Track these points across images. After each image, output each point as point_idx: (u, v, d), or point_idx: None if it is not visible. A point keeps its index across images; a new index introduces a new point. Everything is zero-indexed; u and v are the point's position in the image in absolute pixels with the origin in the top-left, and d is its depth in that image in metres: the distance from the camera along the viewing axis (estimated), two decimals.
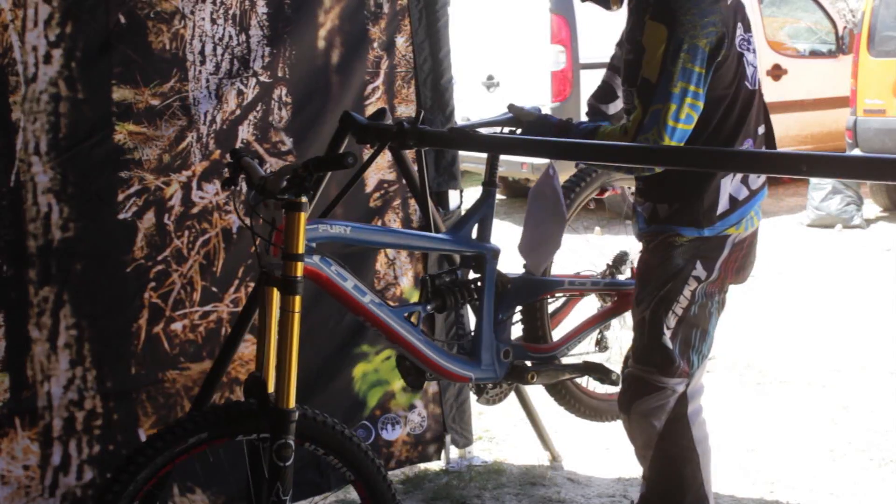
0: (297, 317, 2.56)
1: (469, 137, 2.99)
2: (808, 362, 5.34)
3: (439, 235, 3.33)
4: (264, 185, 2.59)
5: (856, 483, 4.01)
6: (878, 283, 7.20)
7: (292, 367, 2.56)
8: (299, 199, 2.56)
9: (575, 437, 4.41)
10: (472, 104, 10.51)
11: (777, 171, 2.03)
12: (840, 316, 6.37)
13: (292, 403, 2.56)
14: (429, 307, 3.10)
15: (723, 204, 2.99)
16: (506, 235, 9.84)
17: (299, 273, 2.58)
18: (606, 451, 4.30)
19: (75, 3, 3.14)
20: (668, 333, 3.04)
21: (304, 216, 2.58)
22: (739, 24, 2.92)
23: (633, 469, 4.14)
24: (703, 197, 2.97)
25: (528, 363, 3.30)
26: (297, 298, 2.56)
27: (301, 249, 2.60)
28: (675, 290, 3.03)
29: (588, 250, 3.83)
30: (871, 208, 9.94)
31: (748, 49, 2.96)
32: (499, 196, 11.64)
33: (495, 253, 3.22)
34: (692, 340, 3.07)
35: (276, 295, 2.64)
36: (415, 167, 3.61)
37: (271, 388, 2.62)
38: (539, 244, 3.25)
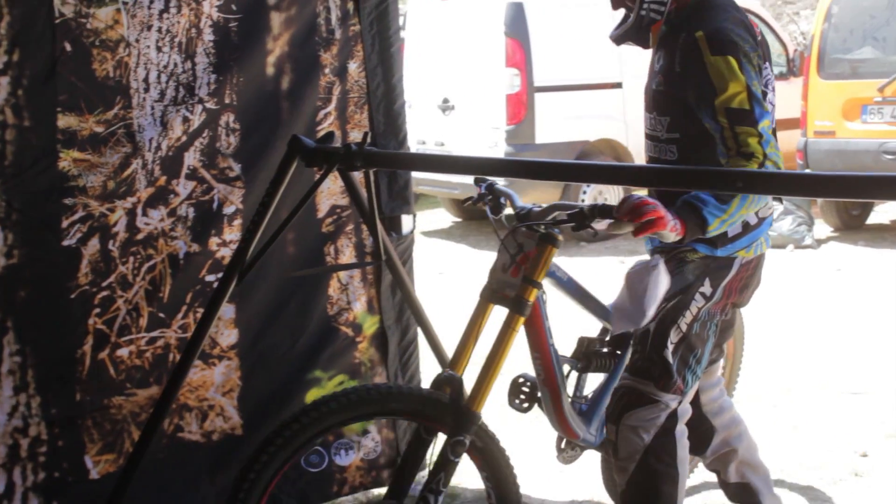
0: (515, 335, 2.90)
1: (417, 158, 3.03)
2: (758, 382, 5.37)
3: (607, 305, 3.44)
4: (528, 214, 3.03)
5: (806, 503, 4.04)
6: (828, 302, 7.28)
7: (495, 377, 2.88)
8: (557, 235, 2.93)
9: (528, 461, 4.40)
10: (427, 127, 10.56)
11: (714, 186, 2.05)
12: (791, 335, 6.43)
13: (482, 408, 2.85)
14: (579, 365, 3.31)
15: (735, 227, 3.05)
16: (461, 258, 9.89)
17: (532, 298, 2.92)
18: (560, 474, 4.30)
19: (22, 30, 3.14)
20: (670, 348, 3.10)
21: (554, 251, 2.93)
22: (767, 63, 3.08)
23: (586, 491, 4.16)
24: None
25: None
26: (522, 319, 2.90)
27: (541, 278, 2.95)
28: (682, 304, 3.10)
29: None
30: (823, 228, 10.05)
31: (771, 89, 3.09)
32: (454, 219, 11.70)
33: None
34: (689, 359, 3.13)
35: (490, 310, 3.00)
36: (365, 191, 3.61)
37: None
38: (631, 317, 3.15)
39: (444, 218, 11.87)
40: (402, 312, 3.99)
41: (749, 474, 3.54)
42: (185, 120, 3.47)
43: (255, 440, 3.70)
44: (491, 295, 3.04)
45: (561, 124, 9.85)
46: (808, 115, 9.71)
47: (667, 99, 3.11)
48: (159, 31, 3.40)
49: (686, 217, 2.80)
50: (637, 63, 10.25)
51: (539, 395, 3.20)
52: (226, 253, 3.56)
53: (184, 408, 3.55)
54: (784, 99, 10.85)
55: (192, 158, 3.50)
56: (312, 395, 3.84)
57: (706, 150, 2.98)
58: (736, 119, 2.90)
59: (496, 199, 3.38)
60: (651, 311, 3.04)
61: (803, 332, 6.49)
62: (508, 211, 3.38)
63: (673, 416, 3.12)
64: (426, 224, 11.60)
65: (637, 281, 3.08)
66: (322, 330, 3.86)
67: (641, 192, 3.01)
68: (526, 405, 3.26)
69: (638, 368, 3.15)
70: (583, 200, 9.99)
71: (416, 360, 4.10)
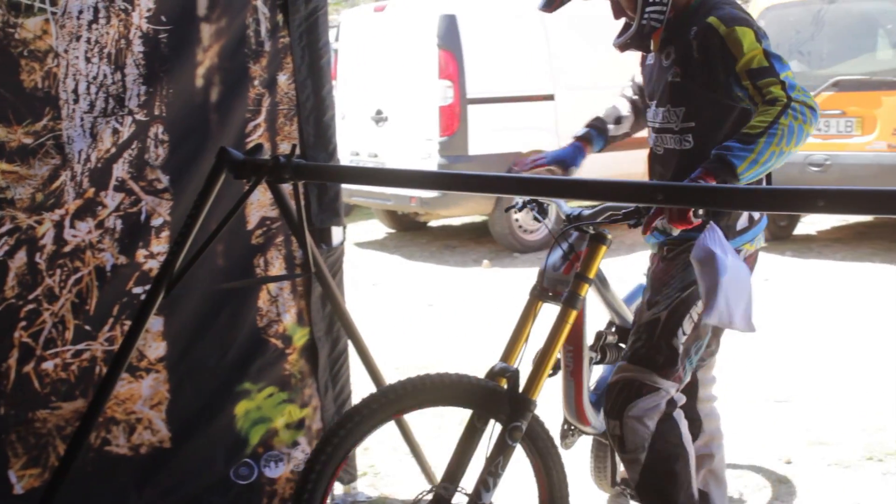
0: (567, 328, 3.13)
1: (346, 170, 3.05)
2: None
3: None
4: (579, 216, 3.19)
5: None
6: (756, 311, 7.37)
7: (548, 367, 3.11)
8: (608, 235, 3.16)
9: None
10: (360, 139, 10.57)
11: (631, 199, 2.09)
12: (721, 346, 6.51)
13: (537, 396, 3.07)
14: (596, 358, 3.51)
15: (742, 221, 3.26)
16: (395, 269, 9.88)
17: (584, 293, 3.16)
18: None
19: None
20: (682, 337, 3.22)
21: (605, 249, 3.18)
22: None
23: (519, 501, 4.20)
24: (731, 212, 3.20)
25: None
26: (575, 313, 3.12)
27: (593, 275, 3.19)
28: (694, 296, 3.19)
29: None
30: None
31: None
32: (388, 230, 11.72)
33: None
34: (691, 350, 3.26)
35: (539, 308, 3.24)
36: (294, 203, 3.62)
37: None
38: (737, 303, 3.12)
39: (378, 229, 11.88)
40: (332, 324, 3.99)
41: (712, 486, 3.63)
42: (115, 132, 3.46)
43: (183, 453, 3.70)
44: (541, 293, 3.28)
45: (494, 136, 9.90)
46: None
47: (683, 89, 3.27)
48: (88, 41, 3.38)
49: (715, 169, 2.89)
50: (569, 75, 10.38)
51: (564, 388, 3.42)
52: (153, 265, 3.54)
53: (111, 421, 3.53)
54: None
55: (120, 170, 3.48)
56: (242, 408, 3.84)
57: (721, 134, 3.20)
58: (758, 76, 3.04)
59: (541, 204, 3.53)
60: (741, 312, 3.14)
61: (730, 341, 6.55)
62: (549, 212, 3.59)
63: (672, 402, 3.24)
64: (360, 235, 11.61)
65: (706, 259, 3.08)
66: (251, 342, 3.86)
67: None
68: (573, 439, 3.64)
69: (641, 356, 3.23)
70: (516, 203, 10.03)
71: (346, 372, 4.11)
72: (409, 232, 11.61)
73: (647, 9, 3.28)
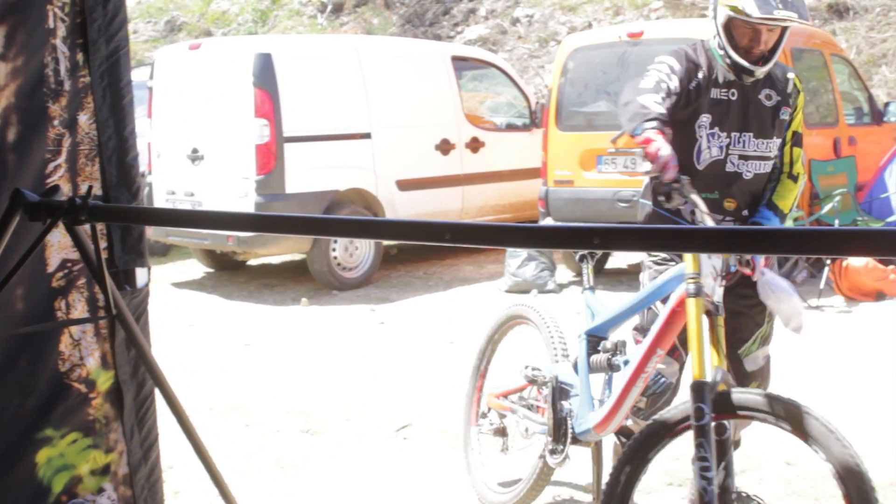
0: (722, 331, 3.59)
1: (145, 212, 3.00)
2: None
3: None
4: None
5: None
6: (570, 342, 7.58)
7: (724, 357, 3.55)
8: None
9: None
10: (177, 178, 10.43)
11: (420, 238, 2.15)
12: None
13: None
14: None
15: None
16: (212, 309, 9.76)
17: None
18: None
19: None
20: None
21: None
22: None
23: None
24: None
25: None
26: (722, 318, 3.60)
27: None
28: None
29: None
30: (564, 273, 10.49)
31: None
32: (206, 269, 11.57)
33: None
34: None
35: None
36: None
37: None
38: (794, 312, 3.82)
39: (196, 269, 11.72)
40: (137, 367, 3.93)
41: None
42: None
43: None
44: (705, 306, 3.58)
45: (311, 174, 9.92)
46: (549, 165, 10.12)
47: (782, 124, 4.08)
48: None
49: None
50: (385, 114, 10.50)
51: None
52: None
53: None
54: (528, 149, 11.48)
55: None
56: (44, 455, 3.73)
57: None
58: (796, 141, 4.12)
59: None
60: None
61: None
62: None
63: None
64: (177, 275, 11.43)
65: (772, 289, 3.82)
66: (53, 387, 3.76)
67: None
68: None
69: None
70: (333, 250, 10.08)
71: (153, 415, 4.04)
72: (228, 271, 11.49)
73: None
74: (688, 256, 3.56)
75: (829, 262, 8.95)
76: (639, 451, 3.50)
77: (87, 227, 3.39)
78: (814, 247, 1.65)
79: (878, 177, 10.35)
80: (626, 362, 3.87)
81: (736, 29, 3.93)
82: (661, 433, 3.49)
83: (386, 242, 11.30)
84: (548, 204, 10.06)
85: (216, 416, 6.05)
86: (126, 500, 3.97)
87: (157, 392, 3.93)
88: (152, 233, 10.76)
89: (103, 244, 3.62)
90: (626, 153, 9.52)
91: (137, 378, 3.96)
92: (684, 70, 3.97)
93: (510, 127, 12.36)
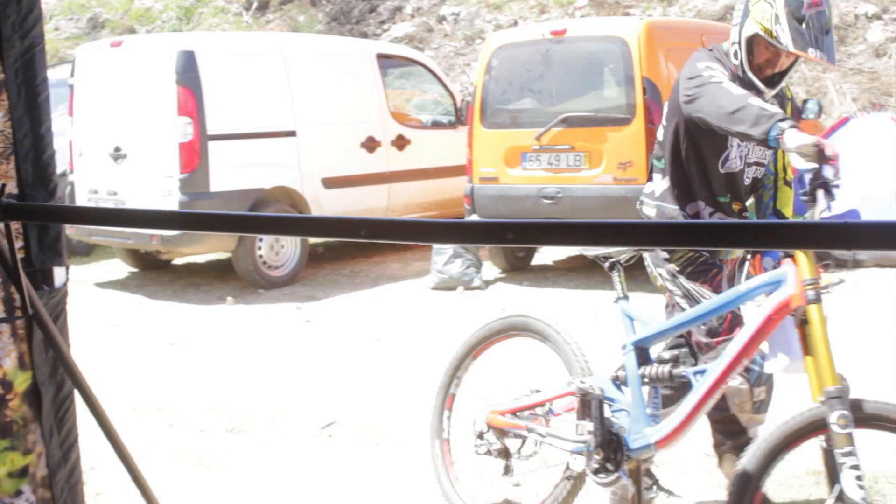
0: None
1: (61, 210, 2.97)
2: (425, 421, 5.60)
3: None
4: None
5: None
6: None
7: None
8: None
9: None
10: (99, 176, 10.29)
11: (336, 234, 2.16)
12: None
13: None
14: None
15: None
16: (136, 309, 9.66)
17: None
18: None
19: None
20: None
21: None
22: None
23: None
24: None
25: None
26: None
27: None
28: None
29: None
30: (491, 270, 10.56)
31: None
32: (131, 269, 11.45)
33: None
34: None
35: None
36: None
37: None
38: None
39: (120, 269, 11.59)
40: (56, 367, 3.89)
41: None
42: None
43: None
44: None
45: (235, 172, 9.85)
46: (474, 162, 10.14)
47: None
48: None
49: None
50: (310, 112, 10.47)
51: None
52: None
53: None
54: (453, 147, 11.52)
55: None
56: None
57: None
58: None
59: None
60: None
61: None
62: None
63: None
64: (101, 275, 11.30)
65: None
66: None
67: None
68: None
69: None
70: (259, 248, 10.04)
71: (72, 416, 3.99)
72: (153, 271, 11.38)
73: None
74: (802, 261, 3.48)
75: None
76: (772, 449, 3.43)
77: (0, 225, 3.36)
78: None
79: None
80: (700, 373, 3.67)
81: (758, 46, 3.99)
82: (798, 434, 3.42)
83: (312, 240, 11.28)
84: (473, 201, 10.08)
85: (139, 416, 6.00)
86: (45, 502, 3.93)
87: (77, 393, 3.89)
88: (75, 232, 10.63)
89: (19, 243, 3.58)
90: (549, 150, 9.61)
91: (56, 379, 3.91)
92: (730, 75, 4.06)
93: (436, 124, 12.38)
